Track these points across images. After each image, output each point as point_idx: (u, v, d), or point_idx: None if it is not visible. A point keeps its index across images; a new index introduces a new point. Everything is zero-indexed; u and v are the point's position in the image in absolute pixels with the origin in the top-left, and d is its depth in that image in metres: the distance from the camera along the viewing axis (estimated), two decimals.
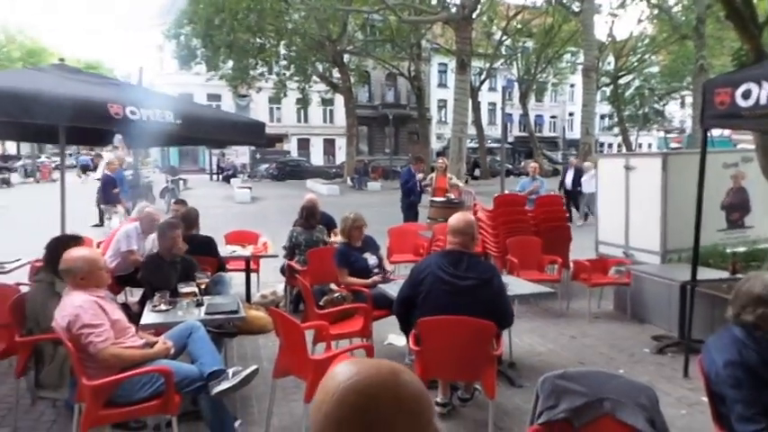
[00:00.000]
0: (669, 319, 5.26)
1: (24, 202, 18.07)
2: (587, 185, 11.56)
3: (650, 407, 2.11)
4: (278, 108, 38.34)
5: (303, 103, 31.74)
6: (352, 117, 29.42)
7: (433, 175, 9.91)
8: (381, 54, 30.36)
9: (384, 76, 40.20)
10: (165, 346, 3.08)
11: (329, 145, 42.08)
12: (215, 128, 4.22)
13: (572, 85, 43.75)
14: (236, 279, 5.67)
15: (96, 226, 11.32)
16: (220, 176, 31.14)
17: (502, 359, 4.13)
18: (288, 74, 27.85)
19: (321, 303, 4.40)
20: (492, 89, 41.06)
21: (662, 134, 39.34)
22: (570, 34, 28.94)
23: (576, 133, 37.99)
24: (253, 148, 30.88)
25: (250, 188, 20.57)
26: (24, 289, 3.99)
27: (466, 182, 27.90)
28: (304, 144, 41.36)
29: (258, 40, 25.25)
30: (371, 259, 4.89)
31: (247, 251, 5.95)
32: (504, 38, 31.62)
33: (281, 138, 38.53)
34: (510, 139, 39.07)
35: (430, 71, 41.47)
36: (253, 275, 6.22)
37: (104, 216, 10.17)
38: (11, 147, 38.82)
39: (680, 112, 43.02)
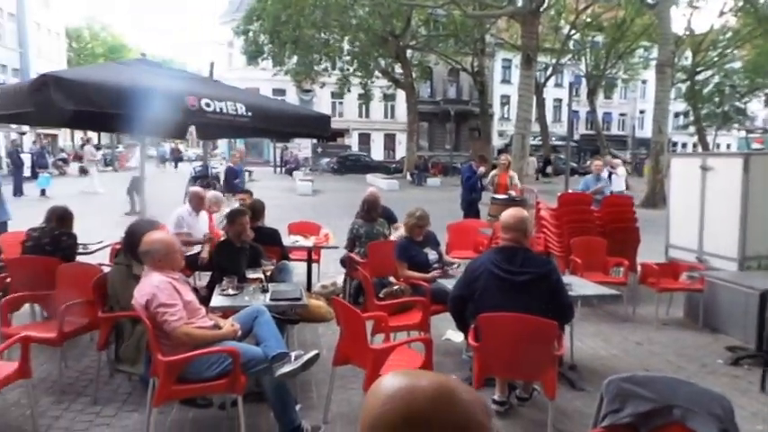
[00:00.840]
0: (746, 330, 4.96)
1: (105, 189, 19.18)
2: (616, 184, 11.30)
3: (725, 417, 2.02)
4: (340, 103, 38.90)
5: (365, 98, 32.07)
6: (413, 112, 29.41)
7: (495, 172, 9.76)
8: (444, 49, 30.16)
9: (446, 71, 39.90)
10: (233, 328, 3.21)
11: (389, 140, 42.26)
12: (284, 120, 4.35)
13: (644, 82, 41.84)
14: (297, 268, 5.83)
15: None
16: (283, 169, 31.98)
17: (563, 361, 4.04)
18: (351, 69, 28.21)
19: (381, 295, 4.45)
20: (558, 85, 39.91)
21: (743, 134, 36.92)
22: (644, 28, 27.68)
23: (646, 132, 36.37)
24: (315, 141, 31.49)
25: (312, 181, 21.00)
26: (105, 269, 4.28)
27: (536, 178, 27.36)
28: (365, 139, 41.75)
29: (323, 35, 25.72)
30: (432, 254, 4.90)
31: (309, 242, 6.09)
32: (573, 32, 30.62)
33: (342, 132, 39.03)
34: (575, 137, 37.91)
35: (493, 67, 40.78)
36: (314, 266, 6.38)
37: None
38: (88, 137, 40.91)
39: (764, 111, 40.22)
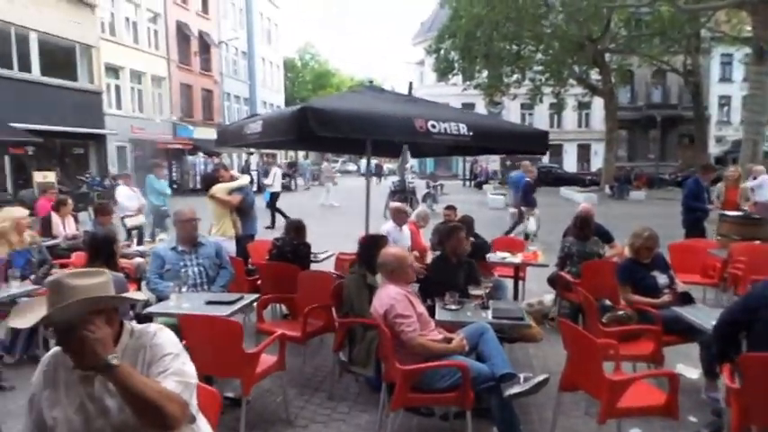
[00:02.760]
0: None
1: (315, 202, 21.36)
2: (760, 194, 9.05)
3: None
4: (530, 114, 37.90)
5: (557, 107, 30.80)
6: (612, 120, 27.32)
7: (721, 185, 8.54)
8: (648, 50, 27.49)
9: (650, 73, 36.35)
10: (461, 343, 3.30)
11: (583, 151, 39.86)
12: (502, 138, 4.38)
13: None
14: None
15: None
16: (472, 182, 32.17)
17: None
18: (543, 79, 27.35)
19: (604, 320, 4.18)
20: None
21: None
22: None
23: None
24: (503, 155, 31.16)
25: (504, 195, 20.73)
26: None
27: None
28: (556, 150, 39.94)
29: (514, 47, 25.42)
30: (661, 278, 4.46)
31: (517, 258, 6.00)
32: None
33: None
34: None
35: (709, 64, 35.92)
36: (518, 283, 6.26)
37: (523, 217, 11.46)
38: (288, 154, 45.29)
39: None
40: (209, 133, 29.42)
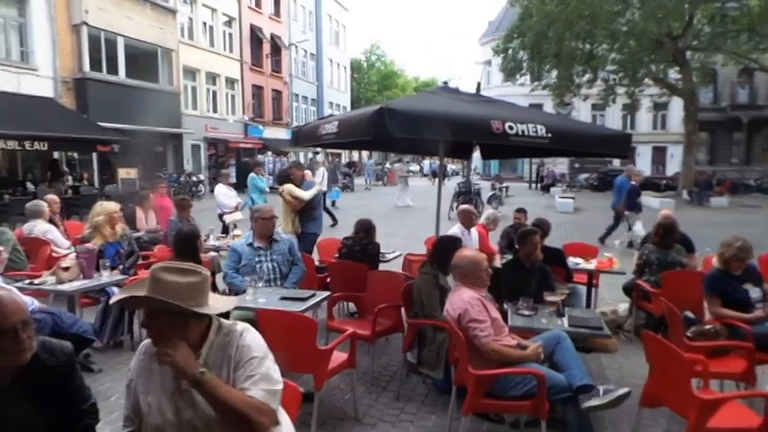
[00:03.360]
0: None
1: (378, 202, 21.52)
2: None
3: None
4: (601, 115, 36.46)
5: (631, 108, 29.46)
6: (692, 122, 25.78)
7: None
8: (735, 47, 25.72)
9: (736, 72, 33.96)
10: (537, 351, 3.21)
11: (659, 153, 37.90)
12: (582, 140, 4.23)
13: None
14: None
15: None
16: (539, 185, 31.37)
17: None
18: (617, 78, 26.21)
19: (689, 334, 3.94)
20: None
21: None
22: None
23: None
24: (571, 157, 30.18)
25: (573, 198, 20.08)
26: None
27: None
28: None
29: (587, 46, 24.52)
30: (754, 292, 4.15)
31: (591, 265, 5.78)
32: None
33: None
34: None
35: None
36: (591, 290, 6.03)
37: (620, 221, 11.23)
38: (351, 154, 45.38)
39: None
40: (278, 133, 30.35)
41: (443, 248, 3.94)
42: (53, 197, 7.19)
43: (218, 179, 11.90)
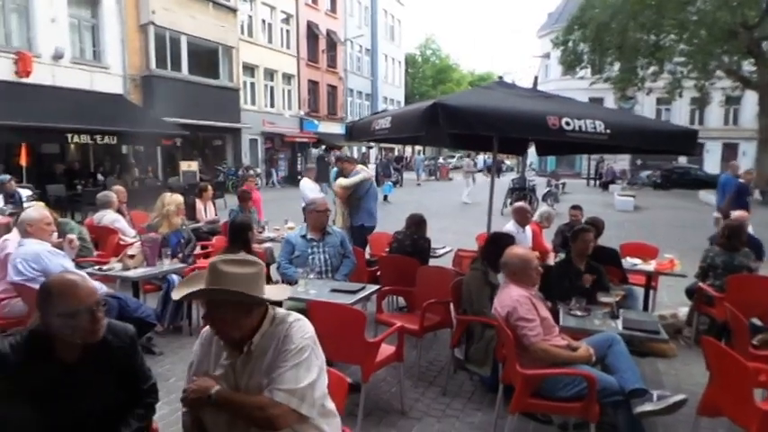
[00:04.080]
0: None
1: (430, 197, 21.45)
2: None
3: None
4: (667, 110, 34.89)
5: (700, 102, 27.92)
6: (767, 117, 24.22)
7: None
8: None
9: None
10: (588, 353, 3.14)
11: (729, 150, 35.77)
12: (643, 137, 4.06)
13: None
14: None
15: None
16: (598, 182, 30.37)
17: None
18: (685, 71, 24.91)
19: (755, 342, 3.75)
20: None
21: None
22: None
23: None
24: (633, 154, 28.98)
25: (633, 196, 19.31)
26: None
27: None
28: (696, 149, 36.35)
29: (652, 37, 23.42)
30: None
31: (650, 266, 5.56)
32: None
33: None
34: None
35: None
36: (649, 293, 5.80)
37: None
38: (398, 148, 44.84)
39: None
40: (333, 127, 30.75)
41: (494, 245, 3.90)
42: (121, 188, 7.58)
43: (303, 173, 11.94)
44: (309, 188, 9.81)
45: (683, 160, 34.06)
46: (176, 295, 2.02)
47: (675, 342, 5.15)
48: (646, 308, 5.65)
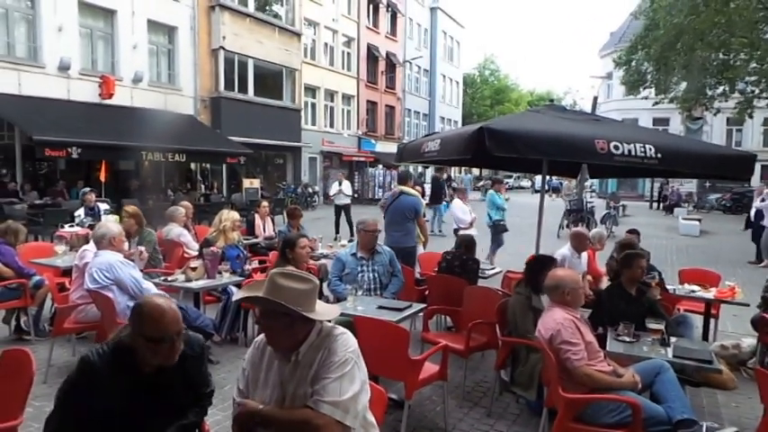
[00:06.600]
0: None
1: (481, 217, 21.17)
2: None
3: None
4: (738, 130, 33.06)
5: None
6: None
7: None
8: None
9: None
10: (634, 379, 3.10)
11: None
12: (695, 161, 3.98)
13: None
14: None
15: None
16: (662, 205, 29.13)
17: None
18: (757, 90, 23.64)
19: None
20: None
21: None
22: None
23: None
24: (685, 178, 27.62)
25: (699, 220, 18.43)
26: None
27: None
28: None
29: (721, 56, 22.43)
30: None
31: (710, 293, 5.36)
32: None
33: None
34: None
35: None
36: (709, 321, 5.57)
37: None
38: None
39: None
40: (390, 147, 31.16)
41: (537, 268, 3.91)
42: (188, 204, 8.05)
43: (455, 195, 11.90)
44: (461, 209, 9.90)
45: (756, 182, 32.11)
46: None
47: (738, 374, 4.92)
48: (706, 337, 5.44)
